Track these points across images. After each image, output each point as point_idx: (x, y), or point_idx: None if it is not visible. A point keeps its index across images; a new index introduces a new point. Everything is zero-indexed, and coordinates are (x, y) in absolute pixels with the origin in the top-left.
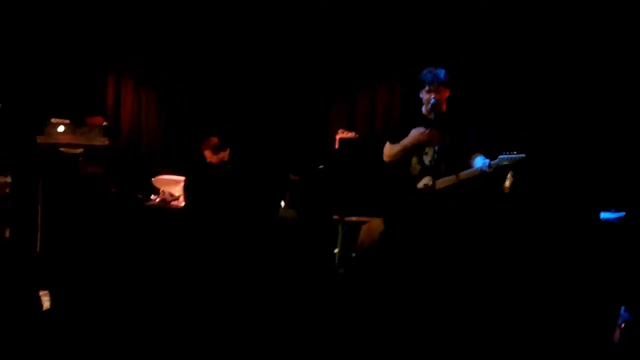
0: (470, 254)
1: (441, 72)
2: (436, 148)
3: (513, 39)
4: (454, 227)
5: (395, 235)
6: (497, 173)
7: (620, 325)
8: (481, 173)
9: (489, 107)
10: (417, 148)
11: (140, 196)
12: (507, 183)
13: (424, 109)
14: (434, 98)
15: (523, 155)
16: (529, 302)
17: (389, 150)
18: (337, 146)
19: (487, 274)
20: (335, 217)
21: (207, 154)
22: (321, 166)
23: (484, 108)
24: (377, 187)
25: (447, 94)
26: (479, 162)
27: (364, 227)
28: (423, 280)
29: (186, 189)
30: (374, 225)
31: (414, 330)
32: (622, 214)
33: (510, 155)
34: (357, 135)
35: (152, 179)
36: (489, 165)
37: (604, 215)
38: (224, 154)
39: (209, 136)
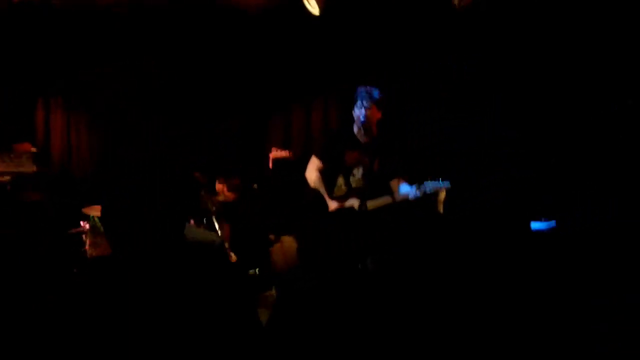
0: (412, 268)
1: (375, 91)
2: (364, 171)
3: (493, 41)
4: (401, 244)
5: (317, 254)
6: (426, 197)
7: None
8: (409, 197)
9: (471, 107)
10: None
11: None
12: (441, 196)
13: (355, 128)
14: (364, 116)
15: (448, 183)
16: (460, 314)
17: (311, 173)
18: (270, 165)
19: (426, 288)
20: (271, 236)
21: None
22: (255, 185)
23: (466, 108)
24: (303, 204)
25: (378, 115)
26: (405, 188)
27: (276, 247)
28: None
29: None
30: (286, 244)
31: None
32: (553, 223)
33: (435, 183)
34: (290, 154)
35: (83, 209)
36: (417, 191)
37: (534, 225)
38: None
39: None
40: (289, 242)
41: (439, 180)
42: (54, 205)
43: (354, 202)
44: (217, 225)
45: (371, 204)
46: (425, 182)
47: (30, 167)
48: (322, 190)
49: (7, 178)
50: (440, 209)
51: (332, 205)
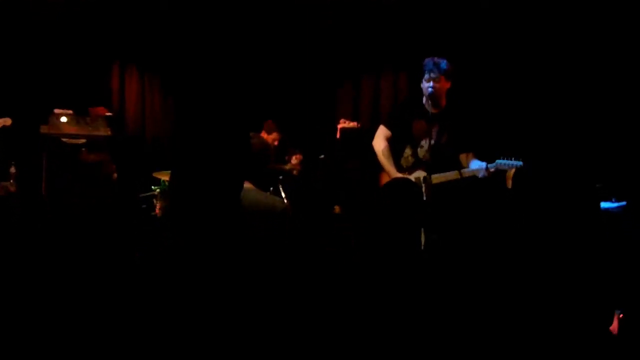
0: (477, 246)
1: (443, 62)
2: (432, 142)
3: (512, 37)
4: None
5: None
6: (495, 175)
7: (619, 315)
8: (478, 174)
9: (488, 100)
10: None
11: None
12: (510, 172)
13: (423, 99)
14: (431, 87)
15: (520, 162)
16: (529, 294)
17: (379, 142)
18: (338, 136)
19: (491, 265)
20: (336, 207)
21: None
22: (322, 156)
23: (483, 101)
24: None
25: (447, 85)
26: (475, 164)
27: None
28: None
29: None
30: None
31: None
32: (623, 203)
33: (507, 162)
34: (358, 125)
35: (154, 173)
36: (487, 169)
37: (604, 205)
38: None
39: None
40: None
41: (511, 159)
42: (125, 169)
43: (420, 174)
44: (283, 194)
45: (436, 178)
46: (497, 160)
47: (105, 131)
48: (390, 161)
49: (82, 141)
50: (509, 184)
51: (398, 176)
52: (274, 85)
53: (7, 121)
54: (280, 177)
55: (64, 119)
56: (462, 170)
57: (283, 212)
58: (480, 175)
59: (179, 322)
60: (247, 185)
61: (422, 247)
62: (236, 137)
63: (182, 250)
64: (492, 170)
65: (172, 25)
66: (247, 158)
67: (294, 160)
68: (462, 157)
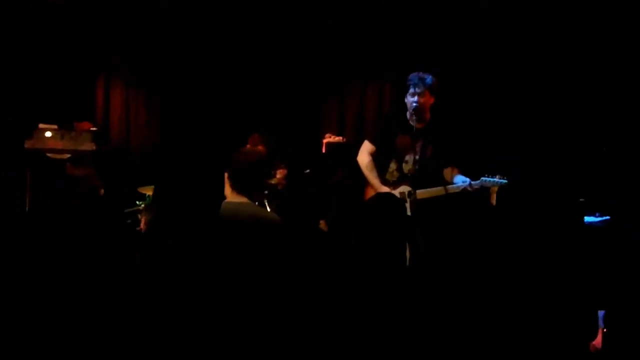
0: (461, 261)
1: (428, 77)
2: (417, 157)
3: (496, 52)
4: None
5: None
6: (479, 191)
7: (603, 329)
8: (462, 191)
9: (472, 115)
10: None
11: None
12: (494, 188)
13: (407, 114)
14: (416, 102)
15: (505, 180)
16: (513, 309)
17: (363, 157)
18: (323, 150)
19: (476, 280)
20: (322, 222)
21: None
22: (307, 170)
23: (467, 116)
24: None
25: (432, 100)
26: (459, 179)
27: None
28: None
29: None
30: None
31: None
32: (607, 217)
33: (492, 179)
34: (344, 140)
35: (139, 188)
36: (470, 185)
37: (588, 219)
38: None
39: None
40: None
41: (495, 177)
42: (110, 184)
43: (405, 189)
44: (268, 208)
45: (421, 194)
46: (481, 178)
47: (89, 145)
48: (374, 174)
49: (66, 155)
50: (493, 200)
51: (383, 189)
52: (259, 99)
53: None
54: (266, 192)
55: (48, 134)
56: (447, 187)
57: (279, 224)
58: (465, 187)
59: (175, 324)
60: (242, 199)
61: (407, 263)
62: (220, 150)
63: (171, 255)
64: (476, 187)
65: (157, 39)
66: (230, 170)
67: (279, 174)
68: (446, 171)
